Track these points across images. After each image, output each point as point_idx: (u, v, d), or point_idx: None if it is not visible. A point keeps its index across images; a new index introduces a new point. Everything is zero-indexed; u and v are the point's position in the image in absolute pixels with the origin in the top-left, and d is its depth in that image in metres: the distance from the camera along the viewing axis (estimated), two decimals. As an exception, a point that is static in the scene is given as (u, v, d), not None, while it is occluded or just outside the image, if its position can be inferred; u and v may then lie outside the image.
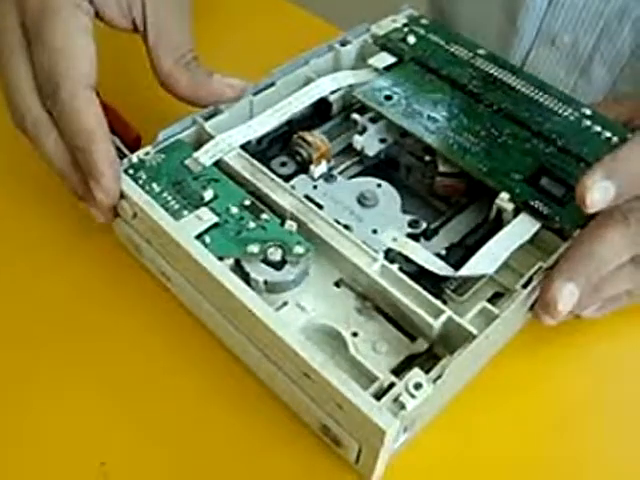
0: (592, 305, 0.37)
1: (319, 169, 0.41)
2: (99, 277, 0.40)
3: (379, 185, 0.41)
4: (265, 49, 0.55)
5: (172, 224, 0.35)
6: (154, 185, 0.38)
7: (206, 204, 0.37)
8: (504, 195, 0.38)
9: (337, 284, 0.36)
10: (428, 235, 0.39)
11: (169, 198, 0.37)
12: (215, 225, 0.36)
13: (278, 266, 0.35)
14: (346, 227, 0.38)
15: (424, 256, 0.36)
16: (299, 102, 0.43)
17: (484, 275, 0.36)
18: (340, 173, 0.42)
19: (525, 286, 0.35)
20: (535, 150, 0.41)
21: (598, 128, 0.42)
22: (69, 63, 0.36)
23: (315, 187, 0.40)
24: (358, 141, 0.42)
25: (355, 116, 0.43)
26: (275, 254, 0.35)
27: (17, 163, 0.46)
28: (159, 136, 0.40)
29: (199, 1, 0.59)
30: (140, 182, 0.38)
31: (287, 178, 0.40)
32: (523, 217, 0.38)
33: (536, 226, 0.38)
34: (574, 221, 0.37)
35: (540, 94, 0.44)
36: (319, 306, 0.34)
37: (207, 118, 0.41)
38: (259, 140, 0.42)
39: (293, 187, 0.39)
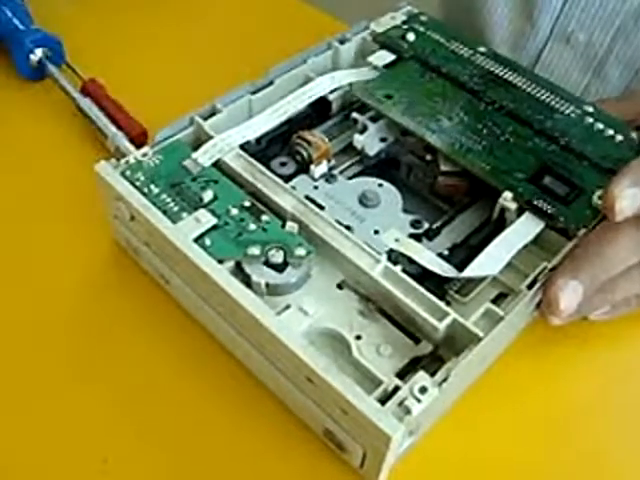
0: (601, 307, 0.36)
1: (319, 169, 0.40)
2: (97, 279, 0.40)
3: (380, 185, 0.40)
4: (264, 43, 0.55)
5: (170, 227, 0.35)
6: (152, 187, 0.37)
7: (205, 205, 0.36)
8: (507, 194, 0.38)
9: (340, 286, 0.36)
10: (430, 235, 0.38)
11: (168, 200, 0.37)
12: (215, 227, 0.35)
13: (280, 268, 0.34)
14: (348, 228, 0.37)
15: (427, 257, 0.36)
16: (298, 101, 0.42)
17: (488, 276, 0.36)
18: (340, 173, 0.41)
19: (530, 287, 0.35)
20: (538, 148, 0.40)
21: (601, 125, 0.42)
22: None
23: (316, 187, 0.40)
24: (358, 140, 0.42)
25: (355, 115, 0.43)
26: (276, 256, 0.34)
27: (17, 164, 0.46)
28: (157, 136, 0.39)
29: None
30: (138, 184, 0.37)
31: (287, 178, 0.40)
32: (527, 217, 0.37)
33: (540, 226, 0.37)
34: (578, 220, 0.37)
35: (542, 92, 0.44)
36: (322, 309, 0.34)
37: (205, 118, 0.41)
38: (258, 140, 0.41)
39: (294, 187, 0.39)
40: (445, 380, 0.31)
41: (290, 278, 0.34)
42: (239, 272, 0.35)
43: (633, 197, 0.33)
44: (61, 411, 0.35)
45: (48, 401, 0.35)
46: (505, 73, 0.45)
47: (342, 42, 0.46)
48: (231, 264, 0.35)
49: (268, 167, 0.39)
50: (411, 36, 0.47)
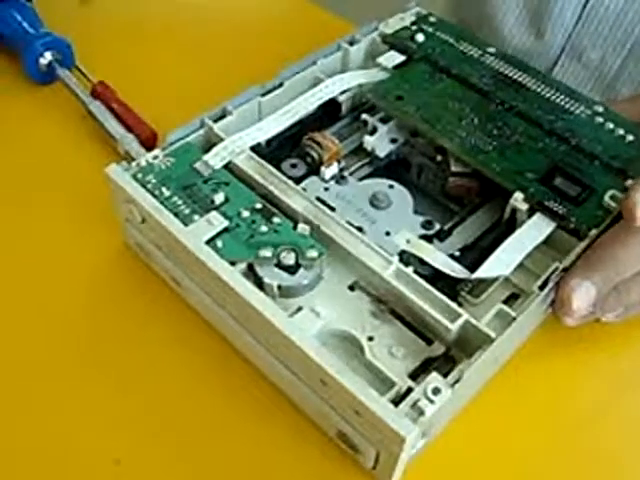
0: (614, 309, 0.36)
1: (330, 170, 0.40)
2: (109, 282, 0.40)
3: (391, 186, 0.40)
4: (273, 44, 0.55)
5: (181, 229, 0.35)
6: (164, 189, 0.37)
7: (217, 208, 0.36)
8: (518, 195, 0.38)
9: (352, 287, 0.36)
10: (441, 236, 0.38)
11: (179, 202, 0.37)
12: (226, 229, 0.35)
13: (292, 270, 0.34)
14: (359, 229, 0.37)
15: (439, 258, 0.36)
16: (308, 103, 0.42)
17: (499, 277, 0.36)
18: (351, 174, 0.41)
19: (542, 287, 0.35)
20: (548, 149, 0.40)
21: (611, 125, 0.42)
22: None
23: (326, 189, 0.40)
24: (369, 142, 0.42)
25: (365, 116, 0.43)
26: (288, 258, 0.35)
27: (27, 167, 0.46)
28: (167, 138, 0.40)
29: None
30: (149, 186, 0.37)
31: (298, 180, 0.40)
32: (538, 217, 0.37)
33: (551, 226, 0.37)
34: (590, 221, 0.37)
35: (552, 92, 0.43)
36: (334, 310, 0.34)
37: (216, 120, 0.41)
38: (268, 142, 0.41)
39: (304, 189, 0.39)
40: (458, 381, 0.31)
41: (302, 280, 0.34)
42: (251, 274, 0.35)
43: None
44: (73, 413, 0.35)
45: (60, 403, 0.35)
46: (515, 73, 0.45)
47: (351, 43, 0.46)
48: (243, 266, 0.35)
49: (279, 169, 0.39)
50: (420, 37, 0.47)
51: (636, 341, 0.39)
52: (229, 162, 0.39)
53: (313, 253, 0.35)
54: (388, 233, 0.38)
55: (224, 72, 0.52)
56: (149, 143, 0.46)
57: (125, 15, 0.58)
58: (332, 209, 0.38)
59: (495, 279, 0.36)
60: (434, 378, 0.31)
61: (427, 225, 0.38)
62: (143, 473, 0.33)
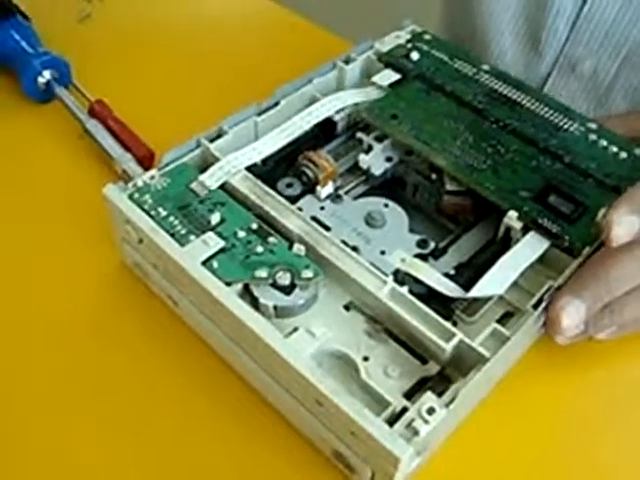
0: (607, 328, 0.36)
1: (326, 190, 0.40)
2: (106, 301, 0.40)
3: (386, 205, 0.40)
4: (268, 62, 0.55)
5: (178, 250, 0.35)
6: (160, 209, 0.37)
7: (213, 228, 0.37)
8: (512, 213, 0.38)
9: (347, 307, 0.36)
10: (436, 255, 0.39)
11: (176, 222, 0.37)
12: (222, 250, 0.36)
13: (287, 290, 0.35)
14: (354, 249, 0.37)
15: (434, 277, 0.36)
16: (304, 122, 0.42)
17: (494, 295, 0.36)
18: (346, 193, 0.42)
19: (536, 306, 0.35)
20: (542, 167, 0.41)
21: (605, 142, 0.42)
22: None
23: (322, 208, 0.40)
24: (364, 160, 0.42)
25: (360, 135, 0.43)
26: (284, 278, 0.35)
27: (24, 186, 0.46)
28: (163, 158, 0.40)
29: (204, 14, 0.60)
30: (146, 206, 0.37)
31: (294, 199, 0.40)
32: (532, 236, 0.38)
33: (545, 245, 0.37)
34: (583, 239, 0.37)
35: (545, 109, 0.44)
36: (329, 330, 0.34)
37: (212, 140, 0.41)
38: (264, 160, 0.41)
39: (300, 209, 0.39)
40: (452, 401, 0.31)
41: (298, 300, 0.35)
42: (247, 294, 0.35)
43: (630, 225, 0.34)
44: (70, 431, 0.35)
45: (54, 423, 0.35)
46: (509, 91, 0.45)
47: (347, 62, 0.47)
48: (239, 287, 0.35)
49: (274, 188, 0.39)
50: (415, 55, 0.47)
51: (630, 357, 0.39)
52: (225, 182, 0.39)
53: (309, 273, 0.35)
54: (383, 252, 0.38)
55: (221, 90, 0.52)
56: (147, 162, 0.46)
57: (123, 33, 0.58)
58: (327, 228, 0.38)
59: (490, 298, 0.37)
60: (428, 398, 0.31)
61: (422, 244, 0.39)
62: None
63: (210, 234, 0.36)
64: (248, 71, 0.54)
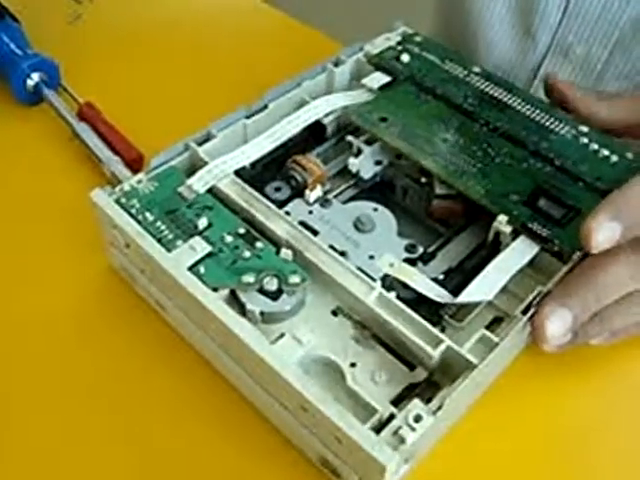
0: (599, 335, 0.36)
1: (314, 194, 0.40)
2: (93, 305, 0.40)
3: (375, 209, 0.40)
4: (258, 63, 0.55)
5: (164, 255, 0.35)
6: (147, 214, 0.37)
7: (200, 233, 0.36)
8: (502, 218, 0.38)
9: (334, 313, 0.36)
10: (425, 259, 0.38)
11: (163, 227, 0.37)
12: (209, 254, 0.35)
13: (274, 296, 0.34)
14: (342, 253, 0.37)
15: (422, 283, 0.36)
16: (293, 125, 0.42)
17: (483, 301, 0.36)
18: (335, 196, 0.41)
19: (525, 312, 0.35)
20: (532, 170, 0.40)
21: (595, 146, 0.42)
22: None
23: (310, 212, 0.40)
24: (353, 164, 0.42)
25: (350, 138, 0.43)
26: (271, 284, 0.34)
27: (12, 189, 0.46)
28: (151, 162, 0.40)
29: (193, 16, 0.60)
30: (133, 211, 0.37)
31: (282, 203, 0.40)
32: (522, 240, 0.37)
33: (535, 249, 0.37)
34: (573, 243, 0.37)
35: (536, 112, 0.44)
36: (316, 336, 0.34)
37: (200, 143, 0.41)
38: (253, 164, 0.41)
39: (288, 213, 0.39)
40: (440, 408, 0.31)
41: (284, 306, 0.34)
42: (234, 300, 0.35)
43: (611, 230, 0.33)
44: (56, 437, 0.35)
45: (38, 428, 0.35)
46: (500, 93, 0.45)
47: (337, 64, 0.46)
48: (226, 292, 0.35)
49: (263, 192, 0.39)
50: (405, 57, 0.47)
51: (621, 362, 0.39)
52: (213, 186, 0.39)
53: (296, 279, 0.35)
54: (372, 257, 0.38)
55: (211, 92, 0.52)
56: (136, 165, 0.46)
57: (113, 35, 0.58)
58: (316, 233, 0.38)
59: (479, 303, 0.36)
60: (415, 405, 0.31)
61: (411, 248, 0.38)
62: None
63: (197, 239, 0.36)
64: (238, 73, 0.54)
